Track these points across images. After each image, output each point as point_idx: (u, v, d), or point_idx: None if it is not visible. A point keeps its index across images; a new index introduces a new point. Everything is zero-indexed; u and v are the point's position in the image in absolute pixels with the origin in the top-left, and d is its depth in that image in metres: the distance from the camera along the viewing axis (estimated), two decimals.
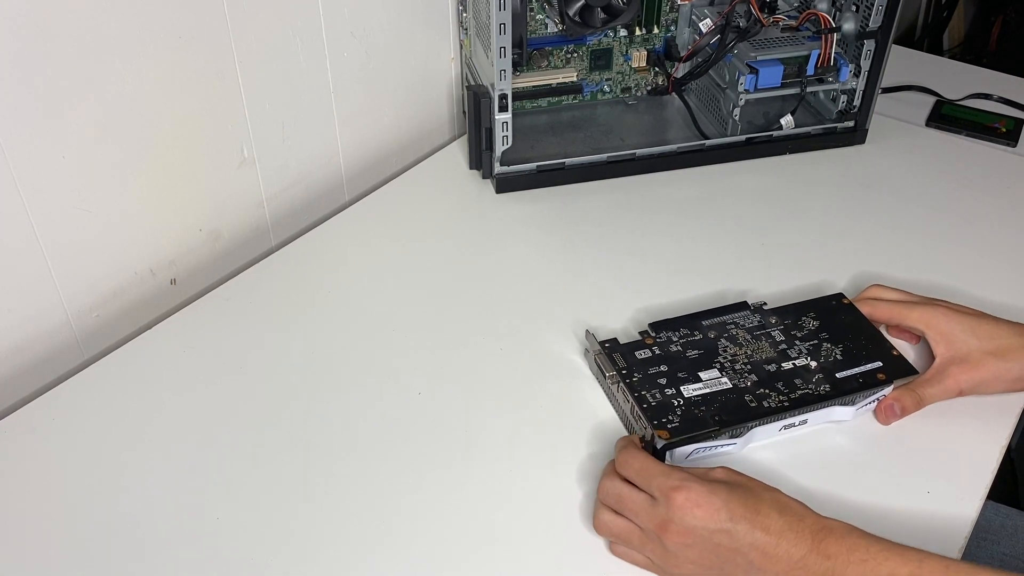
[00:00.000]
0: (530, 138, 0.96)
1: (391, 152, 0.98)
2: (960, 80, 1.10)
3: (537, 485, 0.63)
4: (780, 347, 0.69)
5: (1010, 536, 0.81)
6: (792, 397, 0.65)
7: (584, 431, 0.67)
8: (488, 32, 0.83)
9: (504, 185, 0.91)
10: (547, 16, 0.93)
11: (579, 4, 0.86)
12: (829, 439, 0.66)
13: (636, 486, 0.57)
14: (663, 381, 0.65)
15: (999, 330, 0.67)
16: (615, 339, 0.69)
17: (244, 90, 0.79)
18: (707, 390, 0.65)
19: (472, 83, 0.92)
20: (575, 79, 0.99)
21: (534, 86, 0.97)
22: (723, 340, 0.69)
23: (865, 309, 0.72)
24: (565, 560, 0.59)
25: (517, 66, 0.92)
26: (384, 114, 0.95)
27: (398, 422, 0.68)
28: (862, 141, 0.99)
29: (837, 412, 0.66)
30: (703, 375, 0.66)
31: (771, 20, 0.94)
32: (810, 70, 0.92)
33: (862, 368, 0.67)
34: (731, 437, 0.63)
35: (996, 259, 0.83)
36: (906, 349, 0.73)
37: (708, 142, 0.94)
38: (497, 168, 0.90)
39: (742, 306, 0.72)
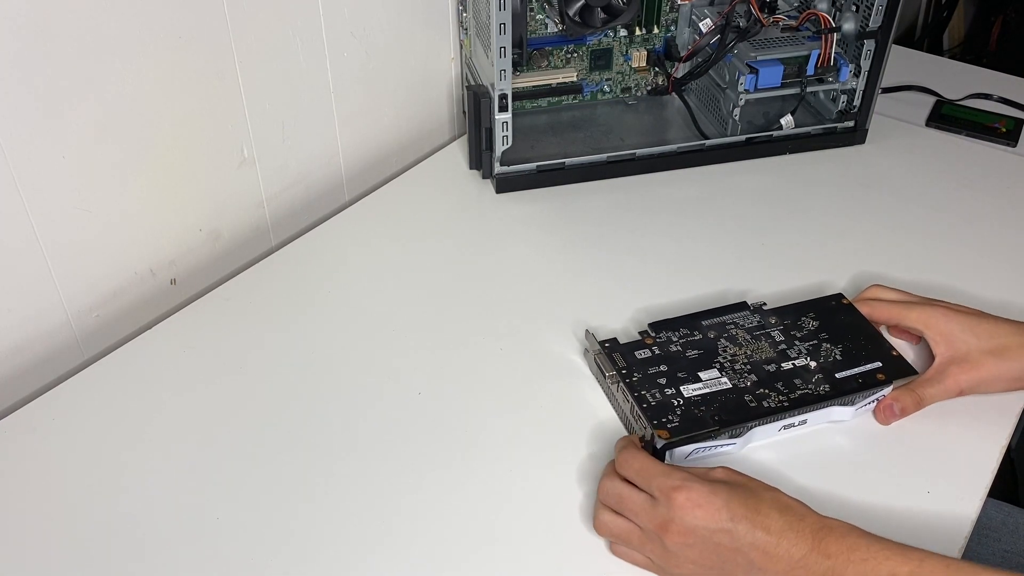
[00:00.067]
0: (530, 138, 0.96)
1: (391, 152, 0.98)
2: (960, 80, 1.10)
3: (537, 485, 0.63)
4: (780, 347, 0.69)
5: (1011, 533, 0.81)
6: (792, 397, 0.65)
7: (584, 431, 0.67)
8: (488, 32, 0.83)
9: (504, 185, 0.91)
10: (547, 16, 0.93)
11: (579, 4, 0.86)
12: (829, 439, 0.66)
13: (636, 486, 0.57)
14: (663, 381, 0.65)
15: (998, 329, 0.67)
16: (615, 339, 0.69)
17: (244, 90, 0.79)
18: (707, 390, 0.65)
19: (472, 83, 0.92)
20: (575, 79, 0.99)
21: (534, 86, 0.97)
22: (723, 340, 0.69)
23: (865, 309, 0.72)
24: (565, 560, 0.59)
25: (517, 66, 0.92)
26: (384, 114, 0.95)
27: (398, 422, 0.68)
28: (862, 141, 0.99)
29: (836, 412, 0.66)
30: (703, 375, 0.66)
31: (771, 20, 0.94)
32: (810, 70, 0.92)
33: (861, 368, 0.67)
34: (731, 437, 0.63)
35: (996, 259, 0.83)
36: (907, 349, 0.73)
37: (708, 142, 0.94)
38: (497, 168, 0.90)
39: (742, 306, 0.72)
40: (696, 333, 0.70)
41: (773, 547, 0.52)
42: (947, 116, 1.04)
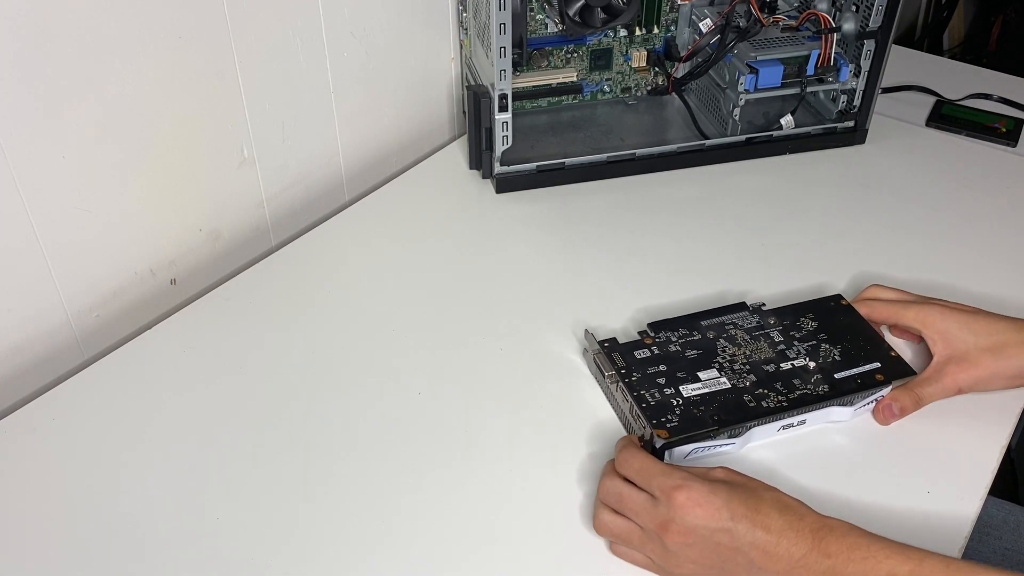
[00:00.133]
0: (530, 138, 0.96)
1: (391, 152, 0.98)
2: (960, 80, 1.10)
3: (537, 485, 0.63)
4: (779, 347, 0.69)
5: (1012, 531, 0.81)
6: (791, 397, 0.65)
7: (584, 431, 0.67)
8: (488, 32, 0.83)
9: (504, 185, 0.91)
10: (547, 16, 0.93)
11: (579, 4, 0.86)
12: (828, 439, 0.66)
13: (636, 486, 0.57)
14: (662, 381, 0.65)
15: (996, 326, 0.66)
16: (614, 339, 0.69)
17: (244, 90, 0.79)
18: (706, 390, 0.65)
19: (472, 83, 0.92)
20: (575, 79, 0.99)
21: (534, 86, 0.97)
22: (722, 340, 0.69)
23: (863, 310, 0.72)
24: (565, 560, 0.59)
25: (517, 66, 0.92)
26: (384, 114, 0.95)
27: (398, 422, 0.68)
28: (862, 141, 0.99)
29: (835, 412, 0.66)
30: (702, 375, 0.66)
31: (771, 20, 0.94)
32: (810, 70, 0.92)
33: (860, 369, 0.67)
34: (730, 437, 0.63)
35: (996, 259, 0.83)
36: (908, 348, 0.73)
37: (708, 142, 0.94)
38: (497, 168, 0.90)
39: (741, 307, 0.72)
40: (695, 333, 0.70)
41: (773, 546, 0.52)
42: (947, 116, 1.04)
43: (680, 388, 0.65)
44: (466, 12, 0.93)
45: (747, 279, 0.80)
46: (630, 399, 0.64)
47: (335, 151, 0.92)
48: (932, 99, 1.07)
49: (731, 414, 0.63)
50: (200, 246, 0.82)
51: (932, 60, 1.20)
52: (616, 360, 0.67)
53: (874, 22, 0.90)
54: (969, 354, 0.66)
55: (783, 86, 0.92)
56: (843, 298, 0.73)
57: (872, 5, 0.89)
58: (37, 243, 0.69)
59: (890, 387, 0.67)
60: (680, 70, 0.98)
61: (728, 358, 0.68)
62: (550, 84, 0.98)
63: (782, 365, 0.67)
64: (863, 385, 0.66)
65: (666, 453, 0.62)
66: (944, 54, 2.07)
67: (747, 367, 0.67)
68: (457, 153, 0.98)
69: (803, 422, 0.66)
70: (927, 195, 0.92)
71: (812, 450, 0.65)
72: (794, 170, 0.95)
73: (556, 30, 0.94)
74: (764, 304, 0.73)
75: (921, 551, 0.52)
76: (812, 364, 0.67)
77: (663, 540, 0.54)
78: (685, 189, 0.92)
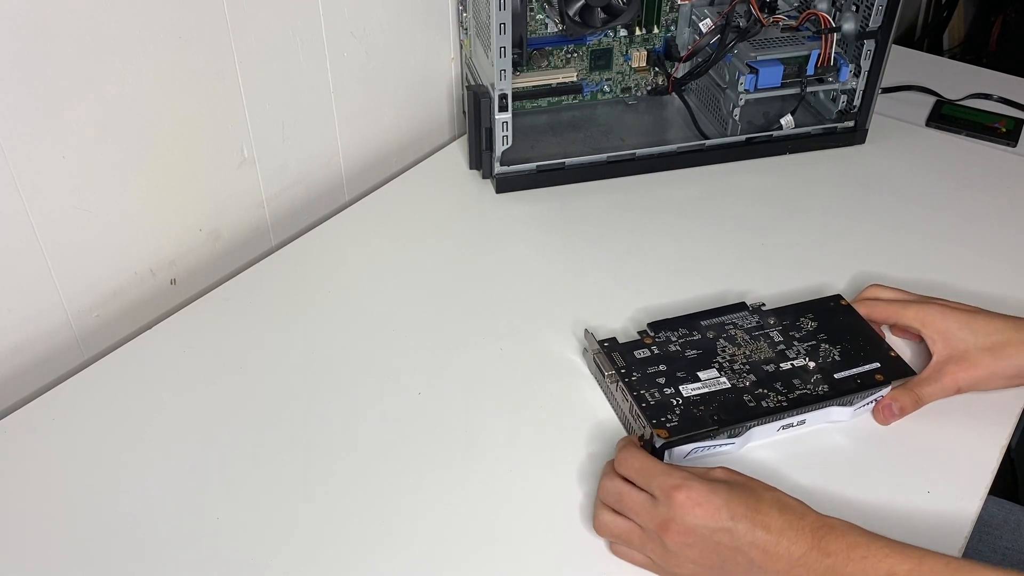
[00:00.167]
0: (530, 138, 0.96)
1: (391, 152, 0.98)
2: (960, 80, 1.10)
3: (537, 485, 0.63)
4: (778, 347, 0.69)
5: (1012, 530, 0.81)
6: (790, 397, 0.65)
7: (584, 431, 0.67)
8: (488, 32, 0.83)
9: (504, 185, 0.91)
10: (547, 16, 0.93)
11: (579, 4, 0.86)
12: (828, 439, 0.66)
13: (636, 485, 0.57)
14: (662, 380, 0.65)
15: (996, 325, 0.66)
16: (614, 338, 0.69)
17: (244, 90, 0.79)
18: (706, 390, 0.65)
19: (472, 83, 0.92)
20: (575, 79, 0.99)
21: (534, 86, 0.97)
22: (722, 340, 0.69)
23: (863, 309, 0.72)
24: (565, 560, 0.59)
25: (517, 66, 0.92)
26: (384, 114, 0.95)
27: (398, 422, 0.68)
28: (862, 141, 0.99)
29: (835, 412, 0.66)
30: (702, 375, 0.66)
31: (771, 20, 0.94)
32: (810, 70, 0.92)
33: (860, 369, 0.67)
34: (729, 437, 0.63)
35: (996, 259, 0.83)
36: (908, 348, 0.73)
37: (708, 142, 0.94)
38: (497, 168, 0.90)
39: (740, 307, 0.72)
40: (695, 333, 0.70)
41: (773, 546, 0.52)
42: (947, 116, 1.04)
43: (680, 388, 0.65)
44: (466, 12, 0.93)
45: (747, 279, 0.80)
46: (630, 399, 0.64)
47: (335, 151, 0.92)
48: (932, 99, 1.07)
49: (731, 414, 0.63)
50: (200, 246, 0.82)
51: (932, 60, 1.20)
52: (616, 360, 0.67)
53: (874, 22, 0.90)
54: (969, 353, 0.66)
55: (783, 86, 0.92)
56: (843, 298, 0.73)
57: (872, 5, 0.89)
58: (37, 243, 0.69)
59: (890, 387, 0.67)
60: (680, 70, 0.98)
61: (728, 358, 0.68)
62: (550, 84, 0.98)
63: (782, 365, 0.67)
64: (863, 385, 0.66)
65: (666, 453, 0.62)
66: (944, 54, 2.08)
67: (747, 367, 0.67)
68: (457, 153, 0.98)
69: (803, 422, 0.66)
70: (927, 195, 0.92)
71: (812, 450, 0.65)
72: (794, 170, 0.95)
73: (556, 30, 0.94)
74: (764, 304, 0.73)
75: (921, 550, 0.52)
76: (812, 364, 0.67)
77: (663, 540, 0.54)
78: (685, 189, 0.92)
